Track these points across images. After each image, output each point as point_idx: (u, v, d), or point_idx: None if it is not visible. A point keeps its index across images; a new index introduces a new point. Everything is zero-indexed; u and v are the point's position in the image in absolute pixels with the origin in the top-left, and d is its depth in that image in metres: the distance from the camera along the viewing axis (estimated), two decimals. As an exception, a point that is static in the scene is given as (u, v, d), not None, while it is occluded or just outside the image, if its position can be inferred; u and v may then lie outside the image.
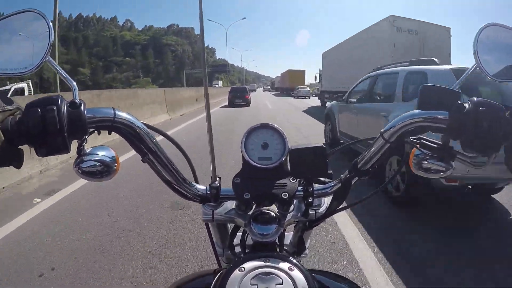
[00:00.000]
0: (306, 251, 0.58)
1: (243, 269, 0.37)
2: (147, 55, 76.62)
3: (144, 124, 0.42)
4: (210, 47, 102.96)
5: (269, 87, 64.38)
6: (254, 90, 51.38)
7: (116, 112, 0.39)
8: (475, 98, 0.37)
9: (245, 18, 45.84)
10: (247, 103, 14.84)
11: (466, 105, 0.37)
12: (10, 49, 0.40)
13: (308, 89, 27.93)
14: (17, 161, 0.35)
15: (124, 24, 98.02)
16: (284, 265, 0.38)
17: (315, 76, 17.04)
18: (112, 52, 74.67)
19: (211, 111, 0.53)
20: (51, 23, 0.39)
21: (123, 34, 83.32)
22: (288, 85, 36.67)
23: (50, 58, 0.38)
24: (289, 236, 0.59)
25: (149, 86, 58.65)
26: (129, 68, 72.39)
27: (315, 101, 18.30)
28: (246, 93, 15.15)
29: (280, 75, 49.28)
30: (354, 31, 13.56)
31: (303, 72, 41.14)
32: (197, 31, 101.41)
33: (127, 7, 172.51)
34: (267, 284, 0.36)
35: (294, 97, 26.39)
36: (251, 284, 0.35)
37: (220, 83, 57.66)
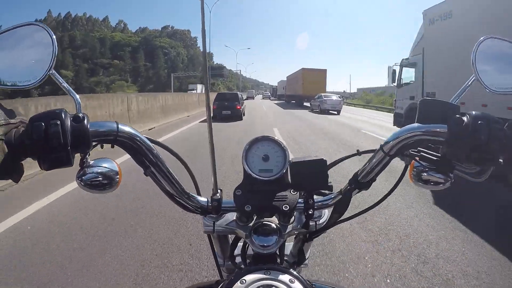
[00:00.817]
0: (307, 262, 0.60)
1: (244, 281, 0.38)
2: (137, 58, 70.15)
3: (147, 137, 0.43)
4: (207, 51, 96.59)
5: (269, 93, 58.50)
6: (252, 98, 48.00)
7: (120, 126, 0.40)
8: (473, 112, 0.38)
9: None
10: (238, 116, 11.25)
11: (465, 118, 0.39)
12: (14, 62, 0.41)
13: (339, 98, 17.93)
14: (17, 175, 0.36)
15: (117, 25, 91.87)
16: (285, 277, 0.39)
17: (394, 70, 7.30)
18: (99, 54, 68.46)
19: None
20: (54, 36, 0.40)
21: (113, 35, 76.94)
22: (302, 91, 24.90)
23: (53, 71, 0.39)
24: (289, 247, 0.60)
25: (126, 90, 51.66)
26: (117, 71, 65.77)
27: (375, 122, 11.54)
28: (237, 102, 11.37)
29: (286, 78, 38.13)
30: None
31: (324, 72, 26.53)
32: (193, 34, 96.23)
33: (120, 7, 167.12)
34: None
35: (313, 111, 17.68)
36: None
37: (199, 87, 43.84)
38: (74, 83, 58.96)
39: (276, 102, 35.30)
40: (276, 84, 62.37)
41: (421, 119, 0.42)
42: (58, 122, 0.34)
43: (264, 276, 0.40)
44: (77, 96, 0.39)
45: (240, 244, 0.55)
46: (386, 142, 0.45)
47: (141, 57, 73.85)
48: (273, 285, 0.38)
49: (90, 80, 63.79)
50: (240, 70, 66.29)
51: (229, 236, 0.58)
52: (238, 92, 14.90)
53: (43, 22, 0.34)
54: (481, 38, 0.45)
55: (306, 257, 0.60)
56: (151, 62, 72.88)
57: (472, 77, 0.44)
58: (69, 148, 0.34)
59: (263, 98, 52.53)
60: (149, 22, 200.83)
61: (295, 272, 0.41)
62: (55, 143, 0.34)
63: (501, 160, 0.38)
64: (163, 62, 72.70)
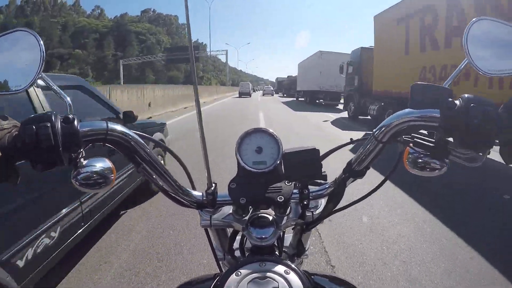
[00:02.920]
0: (306, 253, 0.63)
1: (239, 273, 0.40)
2: (104, 46, 54.25)
3: (137, 133, 0.45)
4: (200, 41, 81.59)
5: (271, 88, 45.03)
6: (249, 94, 34.33)
7: (109, 125, 0.42)
8: (466, 95, 0.39)
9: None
10: None
11: (457, 102, 0.39)
12: (3, 68, 0.43)
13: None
14: (13, 178, 0.38)
15: (93, 12, 75.75)
16: (280, 268, 0.41)
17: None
18: (57, 43, 52.51)
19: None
20: (41, 41, 0.43)
21: (80, 20, 61.22)
22: (368, 84, 9.46)
23: (43, 74, 0.41)
24: (288, 238, 0.63)
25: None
26: (78, 64, 50.49)
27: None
28: None
29: (298, 66, 26.65)
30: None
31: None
32: (182, 20, 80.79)
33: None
34: (263, 287, 0.38)
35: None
36: None
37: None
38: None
39: (284, 100, 26.02)
40: (277, 79, 49.96)
41: (413, 104, 0.42)
42: (49, 125, 0.36)
43: (259, 267, 0.41)
44: (68, 98, 0.42)
45: (239, 238, 0.58)
46: (379, 129, 0.46)
47: (109, 46, 57.99)
48: (268, 277, 0.39)
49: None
50: (226, 53, 48.60)
51: (228, 230, 0.61)
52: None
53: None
54: (473, 19, 0.45)
55: (306, 248, 0.63)
56: (123, 51, 57.00)
57: (465, 60, 0.44)
58: (60, 149, 0.36)
59: (264, 95, 40.27)
60: (130, 8, 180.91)
61: (290, 263, 0.42)
62: (46, 145, 0.36)
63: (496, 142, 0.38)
64: (137, 51, 57.31)
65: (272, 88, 44.24)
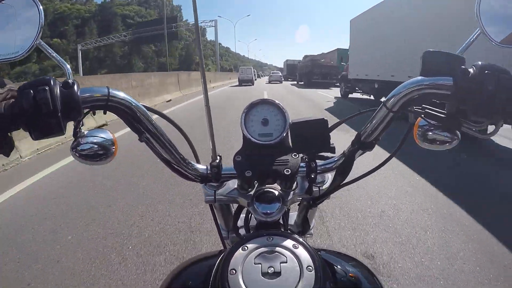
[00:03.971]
0: (311, 231, 0.64)
1: (246, 248, 0.40)
2: (86, 33, 46.72)
3: (141, 104, 0.45)
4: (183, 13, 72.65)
5: (279, 74, 35.93)
6: (251, 82, 26.68)
7: (111, 90, 0.41)
8: (479, 62, 0.39)
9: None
10: None
11: (471, 70, 0.39)
12: (0, 35, 0.44)
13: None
14: (6, 148, 0.38)
15: None
16: (288, 243, 0.40)
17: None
18: None
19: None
20: (41, 7, 0.42)
21: (60, 6, 53.54)
22: None
23: (41, 41, 0.41)
24: (293, 217, 0.64)
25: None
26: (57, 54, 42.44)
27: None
28: None
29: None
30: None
31: None
32: (176, 1, 72.33)
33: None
34: (271, 262, 0.38)
35: None
36: (255, 263, 0.38)
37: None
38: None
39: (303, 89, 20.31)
40: (287, 62, 41.96)
41: (425, 71, 0.42)
42: (47, 88, 0.35)
43: (267, 242, 0.40)
44: (68, 65, 0.41)
45: (243, 216, 0.58)
46: (389, 98, 0.45)
47: (91, 32, 50.43)
48: (276, 251, 0.39)
49: (13, 72, 41.48)
50: (216, 25, 39.86)
51: (232, 207, 0.62)
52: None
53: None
54: None
55: (311, 226, 0.64)
56: (108, 37, 49.44)
57: (478, 31, 0.44)
58: (59, 114, 0.35)
59: (270, 82, 33.49)
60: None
61: (298, 238, 0.42)
62: (45, 110, 0.34)
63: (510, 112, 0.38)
64: (123, 36, 49.46)
65: (280, 74, 35.72)
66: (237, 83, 26.69)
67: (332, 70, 22.52)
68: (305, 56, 31.86)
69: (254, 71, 30.30)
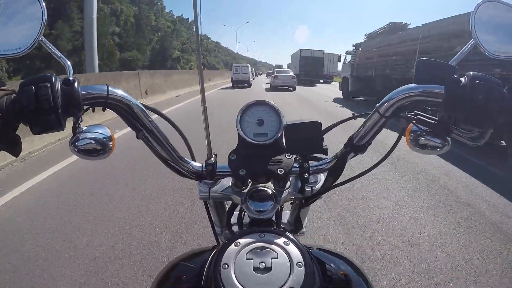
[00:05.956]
0: (304, 230, 0.67)
1: (238, 243, 0.41)
2: None
3: (140, 102, 0.48)
4: (185, 17, 62.73)
5: (291, 74, 19.15)
6: (247, 83, 20.10)
7: (110, 88, 0.43)
8: (471, 72, 0.41)
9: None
10: None
11: (462, 79, 0.41)
12: (2, 30, 0.44)
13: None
14: (14, 147, 0.39)
15: None
16: (280, 240, 0.42)
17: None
18: None
19: None
20: (44, 4, 0.44)
21: None
22: None
23: (43, 38, 0.42)
24: (286, 215, 0.69)
25: None
26: None
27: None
28: None
29: None
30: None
31: None
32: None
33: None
34: (262, 258, 0.40)
35: None
36: (247, 258, 0.40)
37: None
38: None
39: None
40: (301, 52, 28.25)
41: (418, 79, 0.44)
42: (48, 85, 0.37)
43: (259, 238, 0.42)
44: (68, 62, 0.43)
45: (236, 213, 0.61)
46: (382, 103, 0.48)
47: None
48: (267, 247, 0.41)
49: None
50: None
51: (226, 204, 0.65)
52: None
53: None
54: (480, 1, 0.47)
55: (303, 225, 0.67)
56: (62, 29, 38.19)
57: (472, 41, 0.46)
58: (59, 110, 0.37)
59: (275, 86, 18.48)
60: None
61: (290, 235, 0.44)
62: (45, 106, 0.36)
63: (499, 122, 0.40)
64: (78, 26, 38.61)
65: (292, 74, 18.78)
66: (226, 86, 20.36)
67: None
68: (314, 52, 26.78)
69: (251, 69, 23.33)
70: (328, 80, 30.51)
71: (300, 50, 28.38)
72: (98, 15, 46.46)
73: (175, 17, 64.71)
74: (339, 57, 16.37)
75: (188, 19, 73.26)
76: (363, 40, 12.84)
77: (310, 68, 26.78)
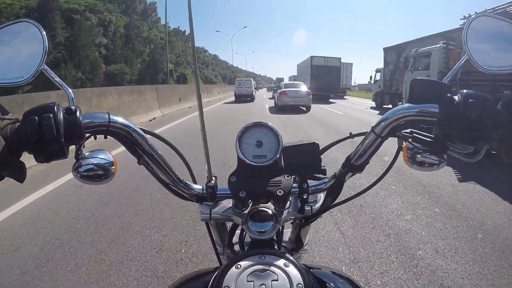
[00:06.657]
0: (305, 247, 0.68)
1: (239, 266, 0.42)
2: None
3: (140, 128, 0.49)
4: (181, 29, 60.16)
5: (305, 89, 13.52)
6: (250, 97, 19.65)
7: (111, 116, 0.44)
8: (464, 90, 0.42)
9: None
10: None
11: (456, 97, 0.42)
12: (6, 59, 0.45)
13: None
14: (19, 174, 0.40)
15: None
16: (280, 262, 0.43)
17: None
18: None
19: None
20: (44, 32, 0.45)
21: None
22: None
23: (45, 66, 0.43)
24: (287, 233, 0.70)
25: None
26: None
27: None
28: None
29: None
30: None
31: None
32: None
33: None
34: (262, 280, 0.40)
35: None
36: (247, 281, 0.40)
37: None
38: None
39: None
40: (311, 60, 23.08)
41: (413, 99, 0.45)
42: (51, 115, 0.38)
43: (259, 260, 0.43)
44: (70, 90, 0.44)
45: (238, 232, 0.62)
46: (377, 124, 0.49)
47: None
48: (267, 270, 0.41)
49: None
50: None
51: (227, 224, 0.66)
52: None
53: None
54: (472, 16, 0.49)
55: (305, 243, 0.68)
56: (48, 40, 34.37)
57: (464, 56, 0.47)
58: (62, 140, 0.38)
59: (281, 105, 13.24)
60: None
61: (290, 256, 0.45)
62: (49, 136, 0.37)
63: (494, 138, 0.41)
64: (62, 37, 35.50)
65: (306, 90, 13.44)
66: (227, 100, 19.47)
67: None
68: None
69: (254, 84, 22.17)
70: (340, 94, 24.14)
71: (311, 57, 23.18)
72: (83, 25, 43.01)
73: (171, 29, 61.95)
74: (370, 77, 17.01)
75: (184, 31, 70.77)
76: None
77: (324, 80, 21.68)
